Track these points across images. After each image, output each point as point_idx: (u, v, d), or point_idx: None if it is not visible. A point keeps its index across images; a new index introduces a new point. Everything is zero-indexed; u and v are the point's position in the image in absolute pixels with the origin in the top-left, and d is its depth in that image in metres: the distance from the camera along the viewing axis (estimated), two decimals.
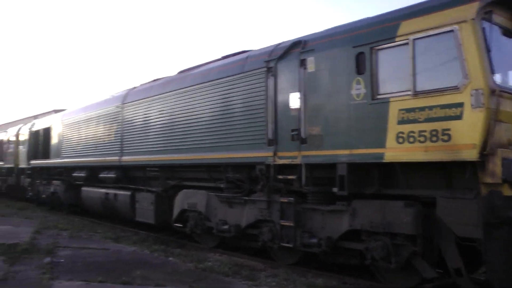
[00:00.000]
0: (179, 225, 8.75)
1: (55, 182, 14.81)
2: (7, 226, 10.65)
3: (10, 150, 21.16)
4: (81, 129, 12.55)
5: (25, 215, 13.40)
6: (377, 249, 5.38)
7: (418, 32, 5.00)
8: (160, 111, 8.89)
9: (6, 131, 23.42)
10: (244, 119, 6.98)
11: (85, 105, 13.13)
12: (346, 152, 5.53)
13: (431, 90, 4.84)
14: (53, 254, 7.28)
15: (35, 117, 40.44)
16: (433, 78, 4.88)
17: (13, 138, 20.87)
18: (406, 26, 5.14)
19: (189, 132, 8.03)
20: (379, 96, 5.31)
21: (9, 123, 49.90)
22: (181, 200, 8.55)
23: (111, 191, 10.72)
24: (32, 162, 17.08)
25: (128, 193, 10.03)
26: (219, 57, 8.50)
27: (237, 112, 7.12)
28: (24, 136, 18.92)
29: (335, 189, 5.69)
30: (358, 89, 5.48)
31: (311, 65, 6.10)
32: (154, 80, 10.26)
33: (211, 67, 8.17)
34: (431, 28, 4.90)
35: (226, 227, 7.47)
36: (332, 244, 5.90)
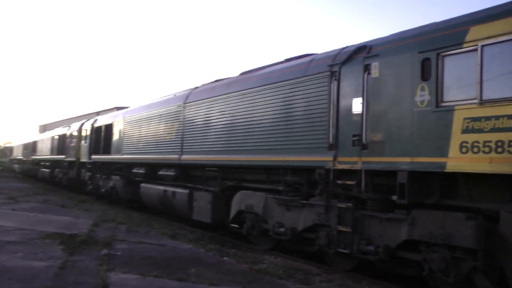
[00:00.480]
0: (235, 225, 9.37)
1: (114, 177, 16.14)
2: (68, 217, 11.83)
3: (72, 144, 23.12)
4: (142, 127, 13.65)
5: (84, 208, 14.73)
6: (435, 261, 5.55)
7: (488, 38, 5.14)
8: (221, 111, 9.58)
9: (69, 126, 25.57)
10: (305, 122, 7.40)
11: (147, 104, 14.24)
12: (408, 160, 5.77)
13: (499, 99, 4.97)
14: (110, 246, 7.94)
15: (98, 113, 43.56)
16: (501, 86, 5.00)
17: (75, 133, 22.81)
18: (475, 32, 5.29)
19: (249, 134, 8.60)
20: (443, 104, 5.51)
21: (72, 118, 53.99)
22: (239, 201, 9.16)
23: (170, 189, 11.60)
24: (93, 156, 18.65)
25: (186, 191, 10.84)
26: (282, 59, 9.04)
27: (298, 115, 7.56)
28: (86, 131, 20.65)
29: (394, 197, 5.92)
30: (422, 95, 5.71)
31: (375, 70, 6.39)
32: (216, 81, 11.00)
33: (273, 69, 8.71)
34: (502, 34, 5.02)
35: (282, 229, 7.93)
36: (389, 253, 6.13)
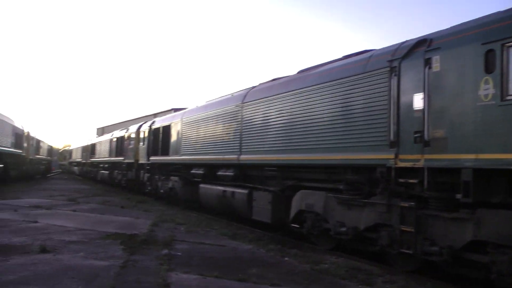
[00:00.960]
0: (295, 225, 9.83)
1: (173, 178, 17.18)
2: (127, 218, 12.65)
3: (131, 146, 24.66)
4: (200, 127, 14.49)
5: (143, 208, 15.67)
6: (504, 263, 5.55)
7: None
8: (279, 110, 10.08)
9: (127, 129, 27.23)
10: (365, 119, 7.63)
11: (205, 104, 15.08)
12: (472, 156, 5.82)
13: None
14: (170, 246, 8.36)
15: (155, 115, 45.69)
16: None
17: (133, 135, 24.31)
18: None
19: (308, 132, 9.00)
20: (509, 97, 5.54)
21: (130, 120, 56.84)
22: (299, 201, 9.58)
23: (229, 189, 12.29)
24: (151, 158, 19.88)
25: (246, 191, 11.45)
26: (340, 56, 9.39)
27: (357, 112, 7.81)
28: (144, 133, 21.99)
29: (458, 196, 5.97)
30: (486, 89, 5.75)
31: (436, 64, 6.49)
32: (274, 80, 11.52)
33: (331, 67, 9.07)
34: None
35: (343, 229, 8.19)
36: (454, 254, 6.18)
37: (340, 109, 8.25)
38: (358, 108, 7.86)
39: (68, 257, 7.19)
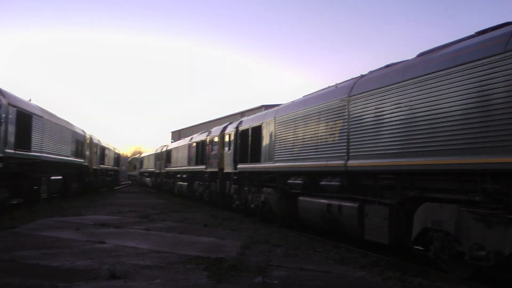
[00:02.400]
0: (419, 247, 9.79)
1: (266, 189, 17.70)
2: (211, 238, 13.15)
3: (214, 152, 25.65)
4: (297, 128, 14.86)
5: (231, 227, 16.24)
6: None
7: None
8: (396, 104, 10.11)
9: (209, 131, 28.31)
10: (510, 111, 7.41)
11: (302, 99, 15.42)
12: None
13: None
14: (265, 273, 8.59)
15: (242, 114, 47.03)
16: None
17: (217, 139, 25.25)
18: None
19: (433, 131, 8.93)
20: None
21: (211, 121, 58.90)
22: (423, 216, 9.50)
23: (334, 202, 12.49)
24: (239, 166, 20.58)
25: (355, 205, 11.60)
26: (473, 33, 9.26)
27: (499, 103, 7.61)
28: (229, 136, 22.77)
29: None
30: None
31: None
32: (387, 66, 11.56)
33: (461, 47, 8.85)
34: None
35: (482, 253, 8.00)
36: None
37: (475, 98, 8.11)
38: (500, 97, 7.64)
39: (142, 284, 7.55)
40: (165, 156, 45.12)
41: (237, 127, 21.89)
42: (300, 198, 14.65)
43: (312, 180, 13.99)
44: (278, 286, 7.71)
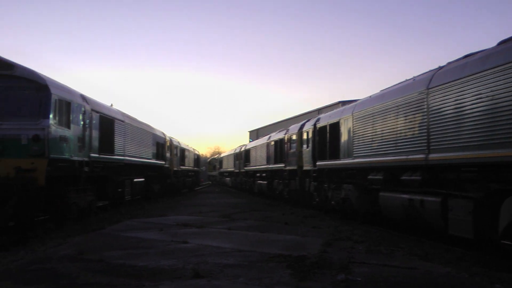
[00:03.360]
0: (506, 242, 9.60)
1: (346, 186, 17.80)
2: (293, 236, 13.31)
3: (292, 150, 25.98)
4: (376, 123, 14.90)
5: (311, 224, 16.38)
6: None
7: None
8: (477, 94, 9.95)
9: (287, 129, 28.70)
10: None
11: (380, 94, 15.45)
12: None
13: None
14: (347, 270, 8.59)
15: (319, 111, 47.22)
16: None
17: (295, 137, 25.57)
18: None
19: None
20: None
21: (288, 119, 59.51)
22: (510, 209, 9.38)
23: (416, 197, 12.42)
24: (318, 163, 20.80)
25: (438, 199, 11.48)
26: None
27: None
28: (307, 133, 23.05)
29: None
30: None
31: None
32: (466, 57, 11.38)
33: None
34: None
35: None
36: None
37: None
38: None
39: (225, 283, 7.66)
40: (244, 156, 45.88)
41: (314, 124, 22.08)
42: (381, 193, 14.63)
43: (393, 175, 13.96)
44: (361, 283, 7.67)
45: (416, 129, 12.38)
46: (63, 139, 15.00)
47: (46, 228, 15.24)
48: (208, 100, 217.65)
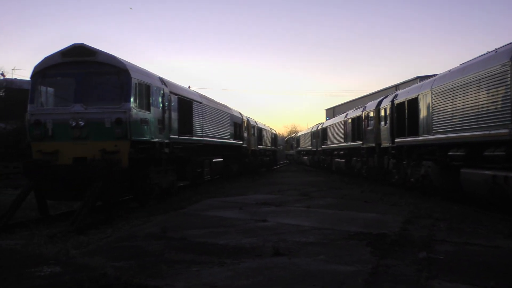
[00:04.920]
0: None
1: (425, 163, 17.52)
2: (372, 214, 13.28)
3: (370, 127, 25.75)
4: (456, 97, 14.53)
5: (391, 202, 16.31)
6: None
7: None
8: None
9: (364, 107, 28.45)
10: None
11: (460, 67, 15.02)
12: None
13: None
14: (429, 248, 8.54)
15: (396, 87, 46.43)
16: None
17: (372, 114, 25.32)
18: None
19: None
20: None
21: (364, 97, 58.78)
22: None
23: (500, 173, 12.04)
24: (396, 140, 20.57)
25: None
26: None
27: None
28: (385, 110, 22.80)
29: None
30: None
31: None
32: None
33: None
34: None
35: None
36: None
37: None
38: None
39: (306, 261, 7.73)
40: (321, 134, 45.79)
41: (392, 101, 21.81)
42: (462, 170, 14.28)
43: (474, 151, 13.59)
44: (443, 262, 7.62)
45: (499, 102, 12.00)
46: (144, 121, 15.46)
47: (130, 207, 16.00)
48: (284, 80, 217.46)
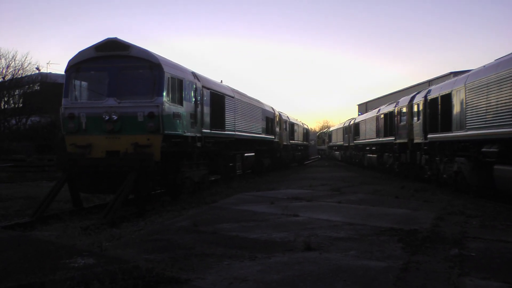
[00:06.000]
0: None
1: (458, 159, 17.33)
2: (404, 210, 13.23)
3: (402, 123, 25.54)
4: (490, 94, 14.32)
5: (423, 198, 16.18)
6: None
7: None
8: None
9: (397, 102, 28.19)
10: None
11: (495, 63, 14.79)
12: None
13: None
14: (461, 245, 8.49)
15: (430, 83, 45.80)
16: None
17: (404, 110, 25.12)
18: None
19: None
20: None
21: (397, 92, 58.23)
22: None
23: None
24: (429, 136, 20.37)
25: None
26: None
27: None
28: (418, 106, 22.60)
29: None
30: None
31: None
32: None
33: None
34: None
35: None
36: None
37: None
38: None
39: (337, 256, 7.77)
40: (353, 129, 45.54)
41: (425, 96, 21.59)
42: (496, 167, 14.08)
43: (508, 147, 13.39)
44: (476, 259, 7.56)
45: None
46: (176, 115, 15.55)
47: (162, 201, 16.20)
48: (316, 75, 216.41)
